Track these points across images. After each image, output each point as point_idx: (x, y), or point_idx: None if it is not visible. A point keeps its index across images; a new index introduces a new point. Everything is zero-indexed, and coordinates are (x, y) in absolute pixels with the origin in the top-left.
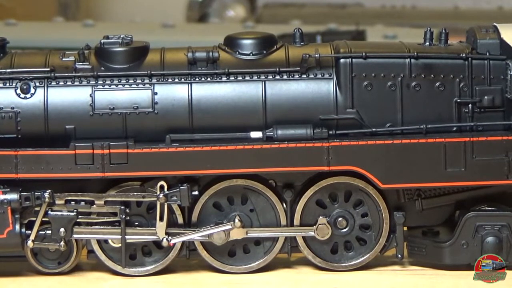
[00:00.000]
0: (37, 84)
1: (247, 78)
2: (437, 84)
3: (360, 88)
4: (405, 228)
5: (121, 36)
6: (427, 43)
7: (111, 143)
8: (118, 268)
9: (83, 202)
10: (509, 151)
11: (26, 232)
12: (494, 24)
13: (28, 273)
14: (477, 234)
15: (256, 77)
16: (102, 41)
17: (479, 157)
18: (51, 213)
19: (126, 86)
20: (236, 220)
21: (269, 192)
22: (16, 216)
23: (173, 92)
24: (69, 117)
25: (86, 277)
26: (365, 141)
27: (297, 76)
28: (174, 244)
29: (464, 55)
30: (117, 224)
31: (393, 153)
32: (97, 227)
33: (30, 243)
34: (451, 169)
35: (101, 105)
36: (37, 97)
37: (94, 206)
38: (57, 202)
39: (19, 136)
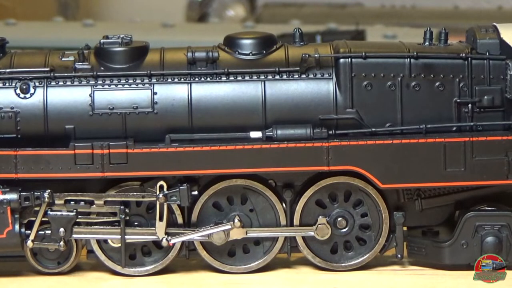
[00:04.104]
0: (37, 84)
1: (247, 78)
2: (437, 84)
3: (360, 88)
4: (404, 228)
5: (121, 36)
6: (427, 43)
7: (110, 143)
8: (118, 268)
9: (82, 202)
10: (508, 151)
11: (26, 232)
12: (494, 24)
13: (28, 273)
14: (477, 234)
15: (255, 77)
16: (101, 41)
17: (479, 157)
18: (51, 213)
19: (125, 86)
20: (236, 220)
21: (269, 192)
22: (16, 216)
23: (173, 92)
24: (69, 117)
25: (85, 277)
26: (365, 141)
27: (297, 76)
28: (174, 244)
29: (463, 55)
30: (117, 224)
31: (393, 153)
32: (96, 227)
33: (29, 243)
34: (451, 169)
35: (100, 105)
36: (37, 97)
37: (94, 206)
38: (56, 202)
39: (19, 136)
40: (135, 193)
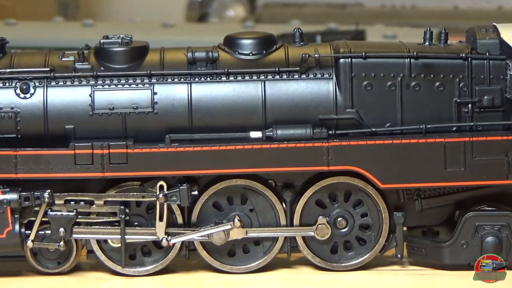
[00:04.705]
0: (37, 84)
1: (247, 78)
2: (437, 84)
3: (360, 88)
4: (404, 228)
5: (121, 36)
6: (427, 43)
7: (110, 143)
8: (118, 268)
9: (82, 202)
10: (508, 151)
11: (26, 232)
12: (494, 24)
13: (28, 273)
14: (477, 234)
15: (255, 77)
16: (101, 41)
17: (478, 157)
18: (51, 213)
19: (125, 86)
20: (236, 220)
21: (269, 192)
22: (16, 216)
23: (173, 92)
24: (69, 117)
25: (85, 277)
26: (365, 141)
27: (297, 76)
28: (174, 244)
29: (463, 55)
30: (117, 224)
31: (393, 153)
32: (96, 227)
33: (29, 243)
34: (451, 169)
35: (100, 105)
36: (37, 97)
37: (94, 206)
38: (56, 202)
39: (19, 136)
40: (135, 193)
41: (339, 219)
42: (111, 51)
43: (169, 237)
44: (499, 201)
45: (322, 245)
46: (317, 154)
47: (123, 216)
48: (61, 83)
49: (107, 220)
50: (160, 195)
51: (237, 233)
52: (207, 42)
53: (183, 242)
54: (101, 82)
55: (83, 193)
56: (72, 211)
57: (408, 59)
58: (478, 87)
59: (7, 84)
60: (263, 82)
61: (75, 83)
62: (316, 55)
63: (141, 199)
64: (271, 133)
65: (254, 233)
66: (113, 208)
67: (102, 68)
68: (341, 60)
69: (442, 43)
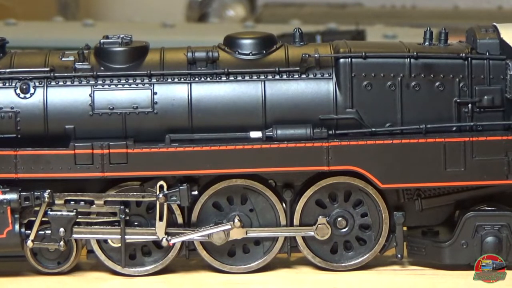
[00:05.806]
0: (37, 84)
1: (247, 78)
2: (437, 84)
3: (360, 88)
4: (404, 228)
5: (121, 36)
6: (427, 43)
7: (110, 143)
8: (118, 268)
9: (82, 202)
10: (508, 151)
11: (26, 232)
12: (494, 24)
13: (28, 273)
14: (477, 234)
15: (255, 77)
16: (101, 41)
17: (479, 157)
18: (51, 213)
19: (125, 86)
20: (236, 220)
21: (269, 192)
22: (16, 216)
23: (173, 92)
24: (69, 117)
25: (85, 277)
26: (365, 141)
27: (297, 76)
28: (174, 244)
29: (463, 55)
30: (117, 224)
31: (393, 153)
32: (96, 227)
33: (29, 243)
34: (451, 169)
35: (100, 105)
36: (37, 97)
37: (94, 206)
38: (56, 202)
39: (19, 136)
40: (135, 193)
41: (339, 219)
42: (111, 51)
43: (169, 237)
44: (499, 201)
45: (322, 245)
46: (317, 154)
47: (123, 216)
48: (61, 83)
49: (107, 220)
50: (160, 195)
51: (237, 233)
52: (207, 42)
53: (183, 242)
54: (101, 82)
55: (83, 193)
56: (72, 211)
57: (408, 59)
58: (478, 87)
59: (7, 84)
60: (263, 82)
61: (75, 83)
62: (316, 55)
63: (141, 199)
64: (271, 133)
65: (254, 233)
66: (113, 208)
67: (102, 68)
68: (341, 60)
69: (442, 43)
